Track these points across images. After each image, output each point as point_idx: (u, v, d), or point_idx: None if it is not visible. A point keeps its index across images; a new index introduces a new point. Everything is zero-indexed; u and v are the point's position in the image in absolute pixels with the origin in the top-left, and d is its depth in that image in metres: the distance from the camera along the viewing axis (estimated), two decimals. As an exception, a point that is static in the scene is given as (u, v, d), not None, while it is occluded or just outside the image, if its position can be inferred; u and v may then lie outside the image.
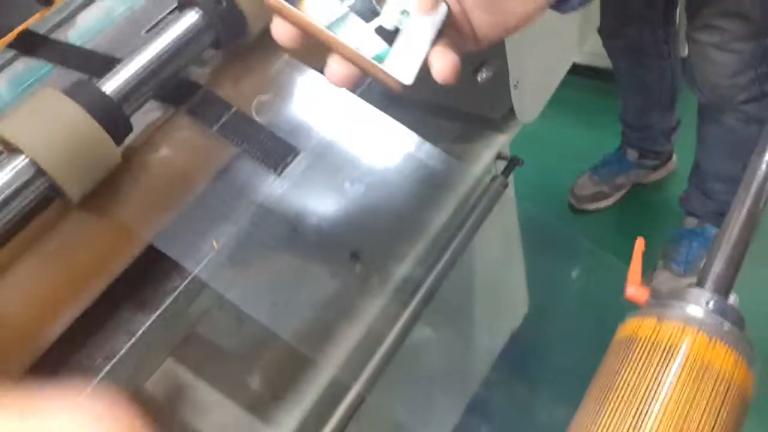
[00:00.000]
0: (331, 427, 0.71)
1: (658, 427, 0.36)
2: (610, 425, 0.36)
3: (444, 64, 0.33)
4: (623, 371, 0.39)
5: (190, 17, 0.47)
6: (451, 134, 0.90)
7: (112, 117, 0.41)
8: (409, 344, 0.72)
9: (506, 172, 0.87)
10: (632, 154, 1.58)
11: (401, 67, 0.33)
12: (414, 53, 0.33)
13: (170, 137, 0.46)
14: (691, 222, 1.40)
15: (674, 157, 1.62)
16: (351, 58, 0.33)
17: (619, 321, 0.45)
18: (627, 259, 0.52)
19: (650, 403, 0.37)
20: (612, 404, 0.37)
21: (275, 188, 0.46)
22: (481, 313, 1.15)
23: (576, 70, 1.03)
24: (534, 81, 0.85)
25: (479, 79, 0.81)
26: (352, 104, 0.49)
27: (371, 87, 0.53)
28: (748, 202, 0.48)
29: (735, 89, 1.13)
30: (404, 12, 0.33)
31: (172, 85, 0.47)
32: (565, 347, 1.25)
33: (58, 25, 0.61)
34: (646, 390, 0.37)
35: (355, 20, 0.33)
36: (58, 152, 0.40)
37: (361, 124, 0.49)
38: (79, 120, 0.40)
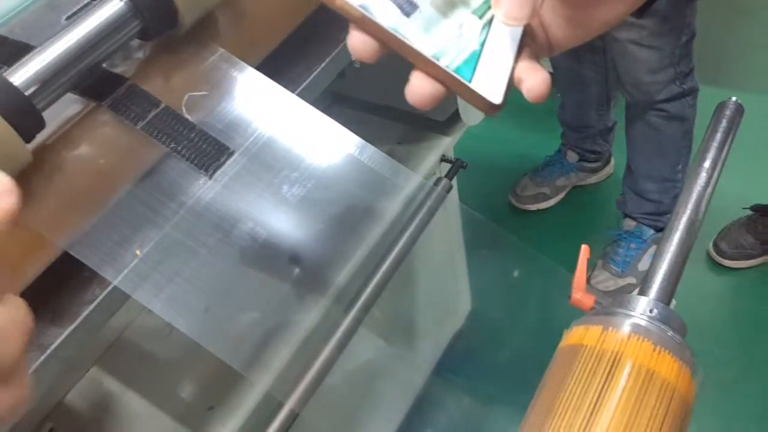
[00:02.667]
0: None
1: (605, 436, 0.35)
2: (557, 435, 0.36)
3: (536, 81, 0.30)
4: (569, 380, 0.39)
5: (114, 4, 0.43)
6: (394, 136, 0.88)
7: (20, 111, 0.37)
8: (349, 351, 0.70)
9: (450, 174, 0.86)
10: (572, 156, 1.62)
11: (489, 85, 0.30)
12: (499, 69, 0.30)
13: (89, 134, 0.42)
14: (628, 224, 1.44)
15: (612, 161, 1.67)
16: (436, 75, 0.30)
17: (559, 320, 0.44)
18: (567, 259, 0.52)
19: (597, 412, 0.37)
20: (559, 414, 0.37)
21: (206, 191, 0.43)
22: (424, 316, 1.14)
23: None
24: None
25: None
26: (291, 103, 0.46)
27: (310, 85, 0.50)
28: (689, 210, 0.48)
29: (657, 86, 1.17)
30: (485, 25, 0.31)
31: (93, 78, 0.43)
32: (506, 347, 1.26)
33: (-34, 8, 0.56)
34: (592, 399, 0.37)
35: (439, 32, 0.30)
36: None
37: (299, 124, 0.46)
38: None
